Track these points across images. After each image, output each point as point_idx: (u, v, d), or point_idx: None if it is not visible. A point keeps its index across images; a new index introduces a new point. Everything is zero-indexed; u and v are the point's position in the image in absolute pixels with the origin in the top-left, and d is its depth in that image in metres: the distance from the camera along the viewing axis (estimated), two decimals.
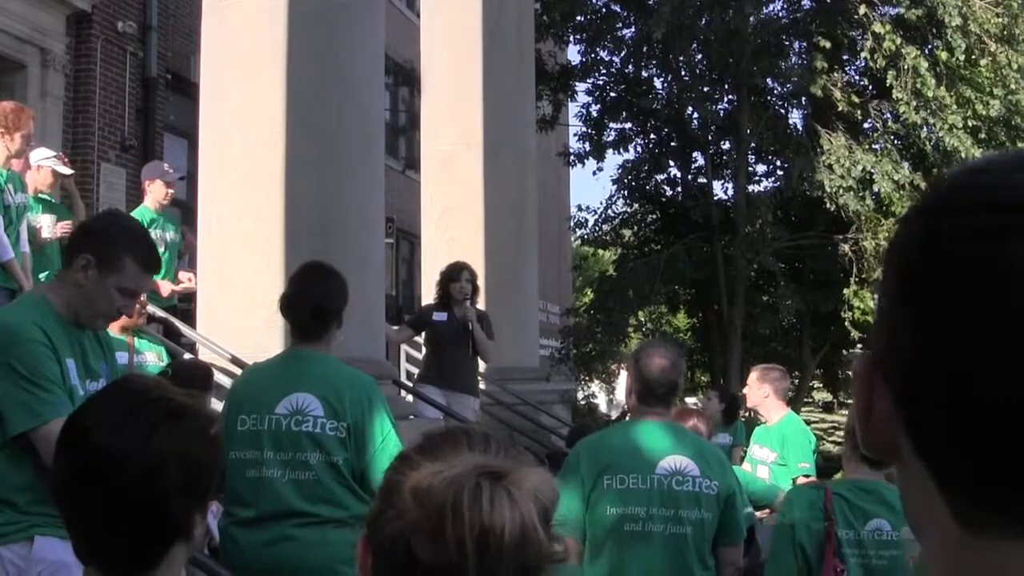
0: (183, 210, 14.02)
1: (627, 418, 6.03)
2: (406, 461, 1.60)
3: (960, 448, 0.83)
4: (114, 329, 7.25)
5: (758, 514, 7.91)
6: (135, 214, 9.60)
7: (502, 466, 1.53)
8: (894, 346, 0.87)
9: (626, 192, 21.64)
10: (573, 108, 23.19)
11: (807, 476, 8.75)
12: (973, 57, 17.93)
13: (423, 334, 10.70)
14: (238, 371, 7.49)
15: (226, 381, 7.47)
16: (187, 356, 8.93)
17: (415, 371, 12.05)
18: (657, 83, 21.52)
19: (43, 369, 3.97)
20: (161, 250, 9.49)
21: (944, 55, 17.62)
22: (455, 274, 10.25)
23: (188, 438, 2.18)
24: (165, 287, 9.47)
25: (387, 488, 1.59)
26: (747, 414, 11.66)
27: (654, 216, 22.30)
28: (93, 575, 2.19)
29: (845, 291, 18.69)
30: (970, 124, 17.66)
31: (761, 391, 9.00)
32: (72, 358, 4.12)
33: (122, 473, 2.10)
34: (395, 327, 10.89)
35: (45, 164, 8.90)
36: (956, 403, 0.82)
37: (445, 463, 1.53)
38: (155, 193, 9.69)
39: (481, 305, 10.82)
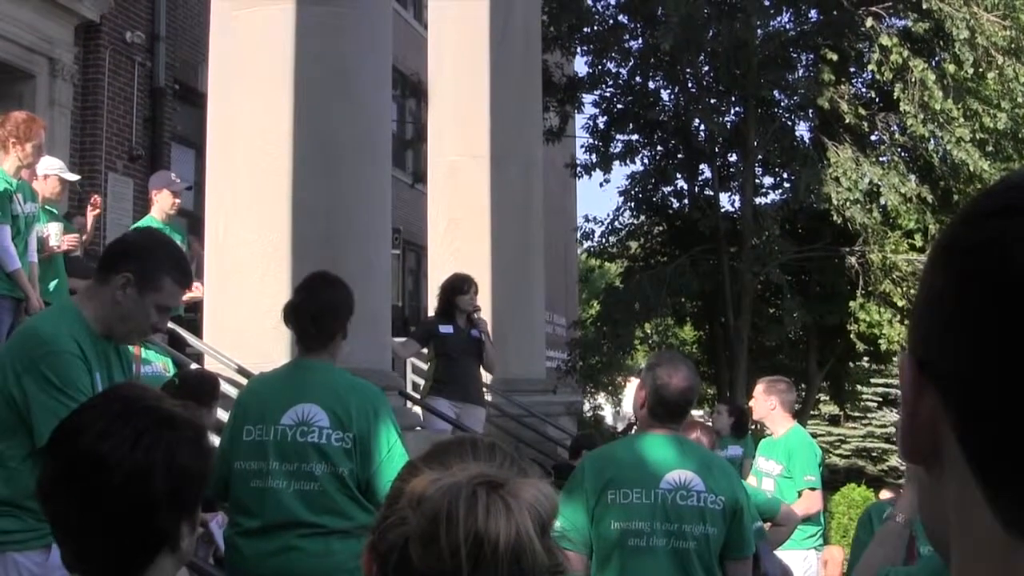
0: (190, 220, 14.04)
1: (634, 430, 6.01)
2: (412, 469, 1.62)
3: (1015, 450, 0.81)
4: None
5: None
6: (141, 224, 9.64)
7: (500, 476, 1.53)
8: (947, 349, 0.85)
9: (633, 204, 21.64)
10: (580, 119, 23.24)
11: (812, 489, 8.75)
12: (981, 70, 17.92)
13: (428, 346, 10.70)
14: (244, 381, 7.49)
15: (232, 391, 7.46)
16: (193, 366, 8.92)
17: (421, 382, 12.04)
18: (664, 95, 21.56)
19: (76, 380, 4.04)
20: None
21: (952, 68, 17.61)
22: (463, 286, 10.27)
23: (176, 447, 2.17)
24: None
25: (392, 495, 1.60)
26: (753, 427, 11.65)
27: (661, 228, 22.31)
28: None
29: (851, 304, 18.67)
30: (977, 137, 17.64)
31: (768, 403, 9.00)
32: (99, 371, 4.19)
33: (107, 478, 2.09)
34: (400, 340, 10.85)
35: (51, 173, 8.91)
36: (1015, 408, 0.80)
37: (447, 471, 1.54)
38: (162, 203, 9.72)
39: (487, 316, 10.84)
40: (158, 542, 2.16)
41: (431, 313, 11.30)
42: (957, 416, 0.85)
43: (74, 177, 9.26)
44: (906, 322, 18.26)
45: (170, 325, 9.12)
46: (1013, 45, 17.93)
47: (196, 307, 9.85)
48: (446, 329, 10.24)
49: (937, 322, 0.87)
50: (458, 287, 10.29)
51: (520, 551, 1.47)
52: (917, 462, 0.92)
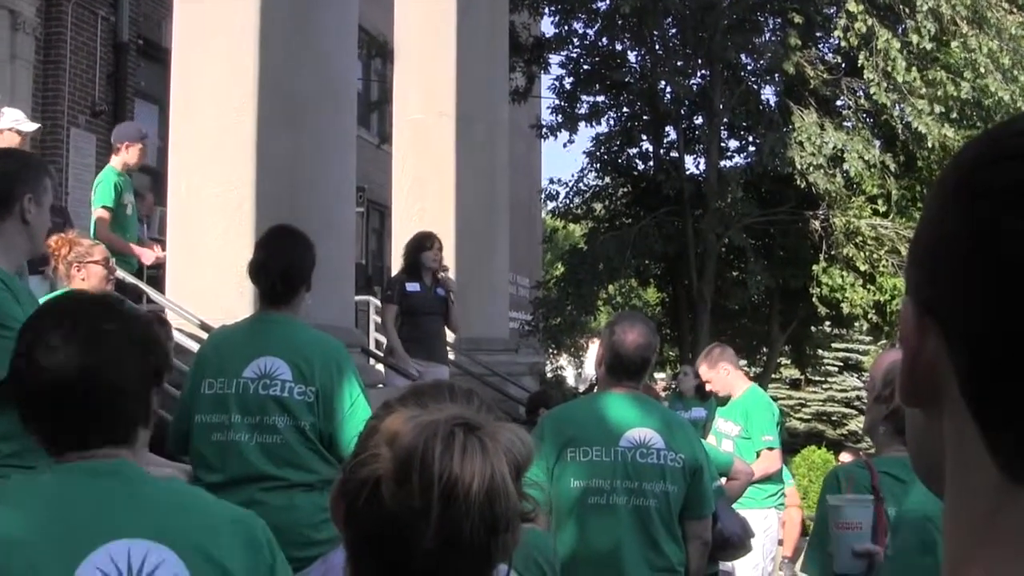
0: (153, 176, 13.98)
1: (595, 390, 6.02)
2: (387, 407, 1.61)
3: (1017, 394, 0.81)
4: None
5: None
6: (104, 175, 9.55)
7: (478, 418, 1.53)
8: (957, 293, 0.85)
9: (598, 165, 21.65)
10: (546, 80, 23.17)
11: (771, 449, 8.81)
12: (944, 39, 17.93)
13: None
14: (206, 336, 7.46)
15: (195, 347, 7.43)
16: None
17: (384, 340, 12.02)
18: (631, 56, 21.53)
19: (10, 311, 3.94)
20: (128, 212, 9.51)
21: (915, 37, 17.61)
22: (427, 243, 10.24)
23: (141, 324, 2.43)
24: (147, 256, 9.52)
25: (366, 432, 1.60)
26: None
27: (625, 190, 22.30)
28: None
29: (814, 267, 18.75)
30: (938, 109, 17.63)
31: (720, 372, 9.03)
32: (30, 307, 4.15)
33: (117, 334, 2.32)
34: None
35: (5, 128, 8.80)
36: (1020, 346, 0.80)
37: (424, 411, 1.53)
38: (132, 155, 9.63)
39: (451, 275, 10.82)
40: (140, 416, 2.36)
41: (394, 272, 11.27)
42: (960, 361, 0.85)
43: (32, 127, 9.14)
44: (869, 287, 18.41)
45: (132, 280, 9.10)
46: (977, 15, 17.94)
47: (161, 263, 9.81)
48: (412, 287, 10.21)
49: (944, 266, 0.86)
50: (421, 244, 10.25)
51: (494, 494, 1.47)
52: (915, 404, 0.92)
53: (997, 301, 0.81)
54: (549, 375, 26.30)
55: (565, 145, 44.94)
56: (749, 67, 20.75)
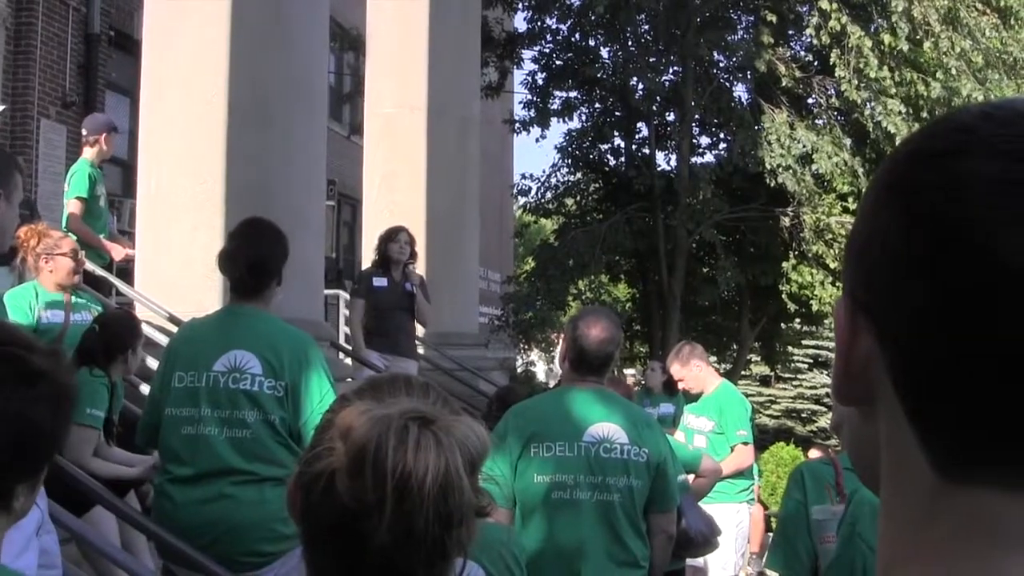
0: (123, 168, 13.91)
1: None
2: (342, 401, 1.61)
3: (950, 391, 0.80)
4: (51, 287, 7.19)
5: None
6: (79, 167, 9.51)
7: (433, 412, 1.53)
8: (887, 291, 0.84)
9: (569, 161, 21.69)
10: (519, 75, 23.22)
11: (745, 444, 8.84)
12: (918, 38, 18.00)
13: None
14: (175, 329, 7.44)
15: (163, 340, 7.41)
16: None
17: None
18: (603, 53, 21.58)
19: None
20: (101, 204, 9.49)
21: (888, 38, 17.69)
22: (393, 235, 10.24)
23: (27, 403, 2.01)
24: (118, 252, 9.49)
25: (321, 426, 1.59)
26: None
27: (597, 185, 22.36)
28: None
29: (784, 265, 18.81)
30: (906, 110, 17.71)
31: (693, 369, 9.04)
32: None
33: None
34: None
35: None
36: (953, 343, 0.79)
37: (378, 404, 1.53)
38: (107, 146, 9.59)
39: (421, 270, 10.80)
40: None
41: (365, 266, 11.26)
42: (893, 359, 0.84)
43: None
44: (838, 284, 18.48)
45: (101, 272, 9.08)
46: (950, 15, 18.02)
47: (130, 260, 9.77)
48: (380, 282, 10.20)
49: (878, 263, 0.85)
50: (388, 236, 10.26)
51: (448, 488, 1.47)
52: (849, 403, 0.91)
53: (929, 299, 0.80)
54: (519, 371, 26.33)
55: (537, 140, 44.93)
56: (721, 64, 20.85)
